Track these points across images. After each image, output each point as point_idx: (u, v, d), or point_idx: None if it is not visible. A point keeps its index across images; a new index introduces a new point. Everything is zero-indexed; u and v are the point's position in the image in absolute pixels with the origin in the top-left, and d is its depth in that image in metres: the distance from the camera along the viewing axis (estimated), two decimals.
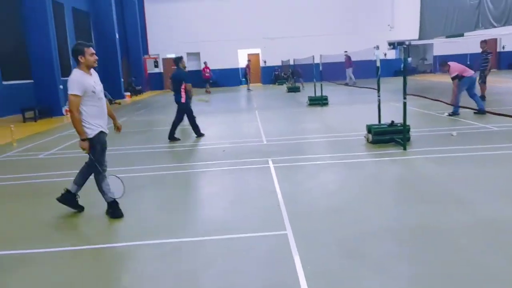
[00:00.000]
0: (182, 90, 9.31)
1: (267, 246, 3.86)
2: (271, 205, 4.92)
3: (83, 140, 4.53)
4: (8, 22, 16.37)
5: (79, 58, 4.49)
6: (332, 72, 22.00)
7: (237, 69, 30.19)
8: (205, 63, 25.30)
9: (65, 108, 16.11)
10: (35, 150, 9.16)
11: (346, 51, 23.93)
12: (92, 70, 4.65)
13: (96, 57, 4.58)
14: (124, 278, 3.42)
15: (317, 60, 15.62)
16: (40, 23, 15.01)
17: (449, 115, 10.57)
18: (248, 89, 25.37)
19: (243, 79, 28.01)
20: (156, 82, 30.44)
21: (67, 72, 20.35)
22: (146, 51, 30.05)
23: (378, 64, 8.26)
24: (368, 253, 3.60)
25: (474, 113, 10.37)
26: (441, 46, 28.80)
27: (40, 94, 15.69)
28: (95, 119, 4.59)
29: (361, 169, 6.45)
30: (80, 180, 4.92)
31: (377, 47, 8.36)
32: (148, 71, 29.93)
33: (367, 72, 18.18)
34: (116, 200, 4.78)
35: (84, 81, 4.45)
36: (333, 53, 22.14)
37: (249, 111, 14.68)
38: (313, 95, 15.86)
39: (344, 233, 4.05)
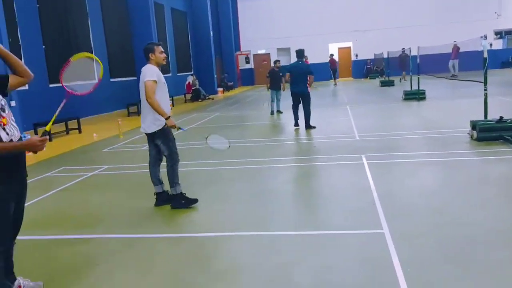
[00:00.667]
0: (309, 80, 9.90)
1: (363, 245, 3.76)
2: (366, 202, 4.78)
3: (167, 118, 4.68)
4: (116, 23, 17.81)
5: (149, 55, 4.78)
6: (431, 64, 20.74)
7: (327, 63, 29.81)
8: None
9: None
10: (139, 142, 9.88)
11: (455, 41, 22.38)
12: None
13: (165, 55, 4.87)
14: (221, 266, 3.55)
15: (414, 52, 14.83)
16: (143, 23, 16.11)
17: None
18: (334, 84, 24.99)
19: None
20: (247, 78, 31.12)
21: (165, 69, 21.69)
22: (238, 48, 30.84)
23: (485, 55, 7.60)
24: (474, 259, 3.35)
25: None
26: None
27: None
28: (164, 108, 4.74)
29: (464, 168, 6.01)
30: (174, 178, 4.96)
31: (485, 37, 7.70)
32: (240, 67, 30.70)
33: (470, 63, 16.85)
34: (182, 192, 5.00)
35: (158, 72, 4.77)
36: (432, 44, 20.84)
37: (340, 106, 14.40)
38: (409, 89, 15.11)
39: (447, 236, 3.80)
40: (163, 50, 4.87)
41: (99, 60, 4.03)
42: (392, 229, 3.96)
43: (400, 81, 22.14)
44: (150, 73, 4.69)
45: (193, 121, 13.14)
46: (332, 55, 26.77)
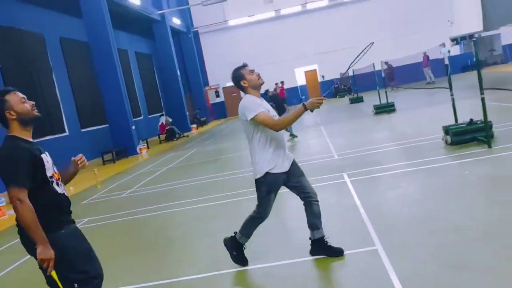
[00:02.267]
0: None
1: (359, 264, 3.71)
2: (355, 220, 4.76)
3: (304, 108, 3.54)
4: (81, 74, 17.72)
5: (241, 83, 3.74)
6: (398, 76, 21.40)
7: (296, 88, 30.27)
8: (282, 82, 23.49)
9: (139, 147, 16.96)
10: (117, 189, 9.66)
11: (425, 52, 23.23)
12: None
13: (258, 72, 3.76)
14: None
15: (378, 67, 15.24)
16: (109, 71, 16.06)
17: None
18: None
19: (303, 97, 27.98)
20: (219, 111, 31.23)
21: (136, 113, 21.57)
22: (206, 83, 31.07)
23: (446, 62, 7.88)
24: (472, 262, 3.33)
25: None
26: (510, 34, 26.97)
27: (116, 136, 16.67)
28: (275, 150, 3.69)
29: (444, 173, 6.10)
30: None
31: (443, 44, 8.02)
32: (211, 102, 30.85)
33: (436, 71, 17.42)
34: None
35: (259, 101, 3.67)
36: (396, 56, 21.54)
37: (314, 127, 14.56)
38: (377, 103, 15.44)
39: (439, 243, 3.79)
40: (252, 69, 3.77)
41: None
42: (385, 244, 3.94)
43: (392, 90, 22.18)
44: (250, 107, 3.56)
45: (171, 160, 13.02)
46: (279, 83, 24.44)
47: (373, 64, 15.38)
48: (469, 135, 7.38)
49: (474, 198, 4.94)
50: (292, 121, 3.63)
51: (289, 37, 29.68)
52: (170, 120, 21.54)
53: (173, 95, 24.38)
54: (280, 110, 12.93)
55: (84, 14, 15.90)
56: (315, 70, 30.85)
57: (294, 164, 3.88)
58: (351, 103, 21.82)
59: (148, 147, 17.92)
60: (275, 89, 13.57)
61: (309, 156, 9.27)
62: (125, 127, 16.50)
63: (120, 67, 16.68)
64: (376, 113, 14.82)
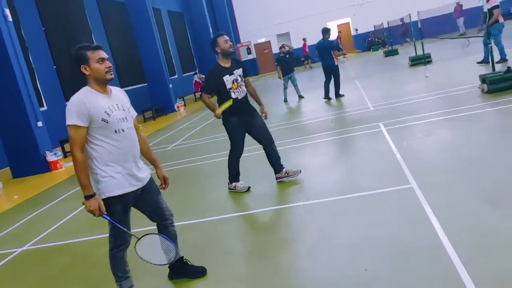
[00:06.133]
0: (334, 56, 11.10)
1: (395, 200, 4.06)
2: (390, 163, 5.08)
3: (87, 197, 2.78)
4: (119, 34, 18.18)
5: (82, 69, 2.90)
6: (433, 27, 20.78)
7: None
8: (304, 39, 25.79)
9: (176, 105, 17.55)
10: (163, 143, 10.27)
11: (458, 1, 22.42)
12: (115, 88, 3.12)
13: (109, 64, 2.91)
14: (282, 235, 3.90)
15: (414, 18, 14.92)
16: (146, 30, 16.48)
17: None
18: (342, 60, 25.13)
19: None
20: (251, 68, 31.29)
21: (172, 72, 22.05)
22: (238, 40, 31.05)
23: (485, 9, 7.79)
24: (506, 199, 3.53)
25: None
26: None
27: (154, 95, 17.28)
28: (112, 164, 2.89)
29: (482, 120, 6.23)
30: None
31: None
32: (242, 59, 30.93)
33: (475, 20, 16.86)
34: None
35: (89, 104, 2.80)
36: (430, 7, 20.85)
37: (348, 81, 14.60)
38: (413, 54, 15.23)
39: (478, 181, 4.03)
40: (104, 56, 2.91)
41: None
42: (420, 183, 4.26)
43: (463, 35, 21.80)
44: (69, 112, 2.81)
45: (208, 117, 13.49)
46: (339, 32, 27.08)
47: (409, 15, 15.07)
48: (506, 83, 7.42)
49: (510, 143, 5.10)
50: (78, 178, 2.81)
51: None
52: (203, 76, 21.94)
53: (205, 53, 24.64)
54: (286, 70, 12.91)
55: None
56: (348, 23, 30.20)
57: None
58: (386, 56, 21.47)
59: (185, 105, 18.46)
60: (281, 51, 13.19)
61: (345, 108, 9.50)
62: (163, 86, 17.05)
63: (156, 26, 17.01)
64: (412, 65, 14.67)
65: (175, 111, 17.31)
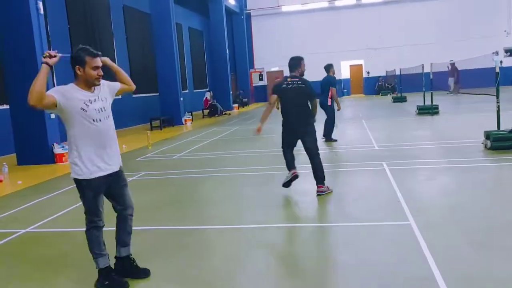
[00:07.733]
0: (330, 93, 10.07)
1: (393, 233, 4.23)
2: (391, 200, 5.27)
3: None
4: (139, 42, 18.65)
5: (76, 69, 3.19)
6: (441, 81, 21.30)
7: (339, 81, 30.44)
8: None
9: (184, 118, 17.82)
10: (168, 152, 10.45)
11: (451, 60, 23.20)
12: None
13: (101, 73, 3.23)
14: (279, 254, 4.06)
15: (427, 69, 15.37)
16: (166, 43, 16.91)
17: None
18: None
19: (344, 90, 28.82)
20: (260, 95, 31.81)
21: (185, 86, 22.42)
22: (252, 65, 31.65)
23: (497, 70, 8.11)
24: (498, 243, 3.76)
25: None
26: None
27: (164, 105, 17.58)
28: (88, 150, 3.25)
29: (480, 172, 6.47)
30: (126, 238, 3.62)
31: (497, 53, 8.22)
32: (253, 84, 31.46)
33: (478, 81, 17.36)
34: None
35: (68, 93, 3.16)
36: (442, 61, 21.42)
37: (355, 120, 14.91)
38: (421, 104, 15.60)
39: (469, 227, 4.25)
40: (99, 64, 3.24)
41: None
42: (417, 221, 4.43)
43: (452, 92, 23.08)
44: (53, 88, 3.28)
45: (214, 134, 13.73)
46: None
47: (422, 65, 15.51)
48: (509, 142, 7.67)
49: (507, 194, 5.31)
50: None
51: (340, 29, 29.76)
52: (212, 95, 22.29)
53: (219, 73, 25.12)
54: None
55: None
56: (361, 65, 30.86)
57: None
58: (394, 101, 21.89)
59: (192, 119, 18.74)
60: None
61: (350, 145, 9.73)
62: (174, 98, 17.37)
63: (176, 40, 17.47)
64: (419, 113, 15.01)
65: (182, 124, 17.57)
